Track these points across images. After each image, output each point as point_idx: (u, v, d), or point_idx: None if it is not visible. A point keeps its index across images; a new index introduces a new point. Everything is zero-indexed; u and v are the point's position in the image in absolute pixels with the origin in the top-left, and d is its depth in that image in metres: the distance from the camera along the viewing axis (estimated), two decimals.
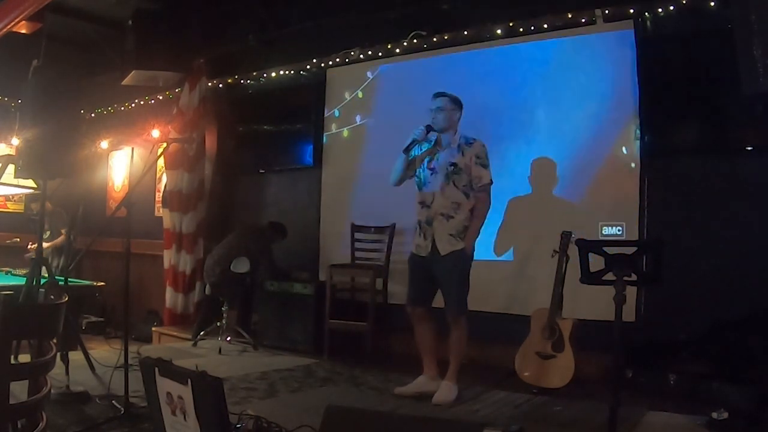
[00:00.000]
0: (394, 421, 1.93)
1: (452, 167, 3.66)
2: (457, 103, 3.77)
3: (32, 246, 6.21)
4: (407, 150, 3.74)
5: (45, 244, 3.96)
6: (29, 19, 5.71)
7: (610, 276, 2.86)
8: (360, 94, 5.68)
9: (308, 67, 5.90)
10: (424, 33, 5.25)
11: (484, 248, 4.89)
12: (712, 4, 3.95)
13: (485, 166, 3.67)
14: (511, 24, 4.81)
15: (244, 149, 6.49)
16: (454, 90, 5.08)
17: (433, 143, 3.78)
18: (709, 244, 4.01)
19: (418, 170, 3.79)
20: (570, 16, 4.55)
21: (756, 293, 3.68)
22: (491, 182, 3.69)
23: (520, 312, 4.33)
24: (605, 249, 2.90)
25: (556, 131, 4.69)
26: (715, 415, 3.06)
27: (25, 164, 3.40)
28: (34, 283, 3.39)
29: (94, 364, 3.97)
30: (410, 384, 3.77)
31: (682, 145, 4.22)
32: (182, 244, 6.23)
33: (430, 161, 3.74)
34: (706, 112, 4.10)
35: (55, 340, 1.96)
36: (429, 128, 3.72)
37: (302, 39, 5.87)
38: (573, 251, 3.42)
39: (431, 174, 3.71)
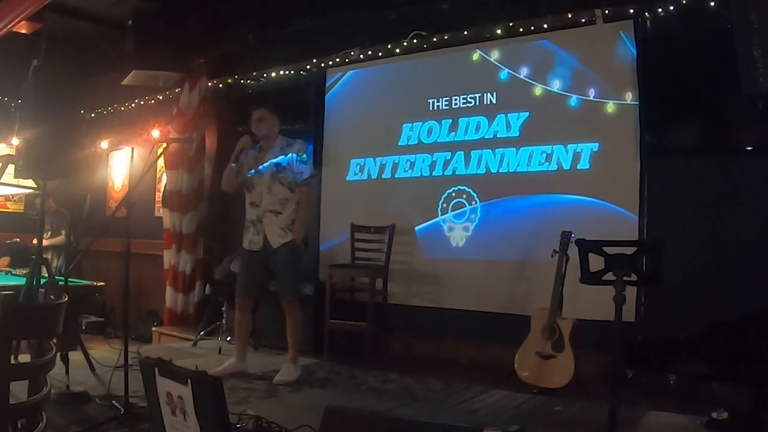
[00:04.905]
0: (394, 422, 1.93)
1: (276, 167, 3.98)
2: (274, 112, 4.13)
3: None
4: (236, 160, 4.03)
5: (44, 242, 3.96)
6: (29, 19, 5.71)
7: (610, 276, 2.86)
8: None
9: (308, 67, 5.90)
10: (424, 33, 5.25)
11: (484, 248, 4.92)
12: (712, 4, 3.95)
13: (305, 161, 4.04)
14: (511, 24, 4.81)
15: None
16: (452, 90, 5.16)
17: (258, 150, 4.06)
18: (709, 244, 4.01)
19: (246, 175, 4.06)
20: (570, 16, 4.55)
21: (755, 293, 3.67)
22: (313, 176, 4.07)
23: (520, 312, 4.33)
24: (605, 249, 2.90)
25: (555, 131, 4.69)
26: (715, 415, 3.06)
27: (25, 164, 3.41)
28: (34, 283, 3.39)
29: (94, 364, 3.97)
30: (224, 366, 4.08)
31: (682, 145, 4.22)
32: (182, 244, 6.23)
33: (256, 165, 4.03)
34: (706, 112, 4.10)
35: (55, 340, 1.96)
36: (252, 136, 4.04)
37: (302, 39, 5.87)
38: (573, 251, 3.42)
39: (258, 176, 4.01)
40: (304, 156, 4.03)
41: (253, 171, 4.04)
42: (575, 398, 3.60)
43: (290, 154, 4.01)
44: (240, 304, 4.15)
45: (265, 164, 4.00)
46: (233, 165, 4.03)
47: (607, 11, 4.39)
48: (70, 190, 5.90)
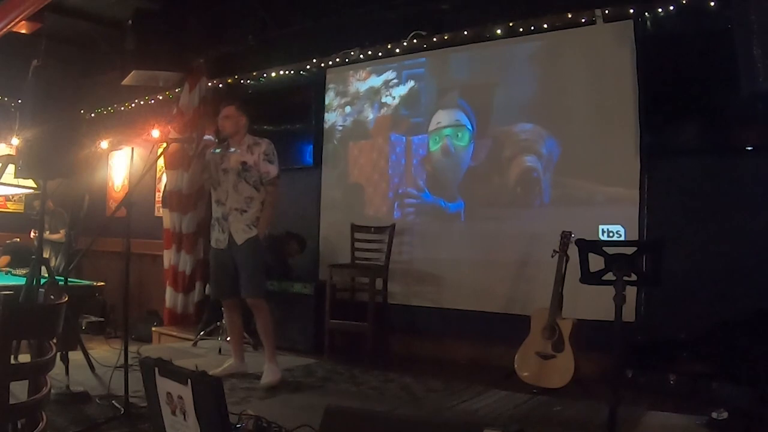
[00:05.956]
0: (393, 422, 1.93)
1: (242, 166, 3.95)
2: (241, 110, 4.08)
3: (35, 232, 6.26)
4: (199, 156, 3.98)
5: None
6: (29, 19, 5.71)
7: (610, 276, 2.86)
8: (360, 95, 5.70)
9: (308, 67, 5.90)
10: (424, 33, 5.25)
11: (485, 248, 4.92)
12: (712, 4, 3.95)
13: (272, 162, 4.00)
14: (511, 24, 4.81)
15: None
16: (451, 90, 5.16)
17: (224, 147, 4.03)
18: (709, 244, 4.01)
19: (212, 172, 4.03)
20: (570, 16, 4.55)
21: (756, 293, 3.68)
22: (278, 176, 4.03)
23: (520, 312, 4.33)
24: (605, 249, 2.90)
25: (555, 131, 4.69)
26: (715, 415, 3.06)
27: (25, 164, 3.40)
28: (34, 283, 3.38)
29: (94, 364, 3.97)
30: (223, 367, 4.09)
31: (682, 145, 4.22)
32: (182, 244, 6.23)
33: (222, 163, 4.00)
34: (706, 112, 4.09)
35: (55, 340, 1.96)
36: (218, 134, 4.02)
37: (302, 39, 5.87)
38: (573, 251, 3.42)
39: (224, 174, 3.99)
40: (271, 154, 4.00)
41: (219, 169, 3.99)
42: (575, 398, 3.60)
43: (257, 153, 3.97)
44: (223, 305, 4.14)
45: (232, 163, 3.97)
46: (198, 159, 4.00)
47: (607, 11, 4.39)
48: (68, 190, 5.90)
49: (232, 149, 4.01)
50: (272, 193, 4.00)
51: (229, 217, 3.96)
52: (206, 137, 4.01)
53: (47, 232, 6.17)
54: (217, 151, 4.02)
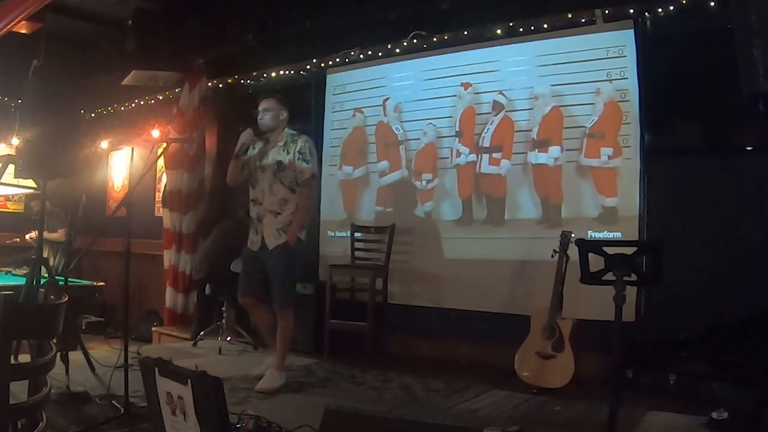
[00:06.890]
0: (393, 422, 1.93)
1: (278, 165, 3.80)
2: (282, 103, 3.94)
3: (30, 237, 6.26)
4: (237, 156, 3.85)
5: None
6: (29, 19, 5.70)
7: (610, 276, 2.86)
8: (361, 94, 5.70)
9: (308, 67, 5.90)
10: (424, 33, 5.25)
11: (485, 248, 4.92)
12: (712, 4, 3.95)
13: (307, 161, 3.80)
14: (511, 24, 4.81)
15: None
16: (451, 89, 5.16)
17: (264, 143, 3.90)
18: (709, 244, 4.01)
19: (252, 170, 3.89)
20: (570, 16, 4.55)
21: (756, 293, 3.68)
22: (313, 176, 3.84)
23: (520, 312, 4.33)
24: (605, 249, 2.90)
25: (555, 131, 4.68)
26: (715, 415, 3.06)
27: (25, 164, 3.41)
28: (34, 283, 3.39)
29: (94, 364, 3.97)
30: (263, 367, 3.96)
31: (682, 145, 4.22)
32: (182, 244, 6.23)
33: (260, 160, 3.86)
34: (706, 112, 4.10)
35: (55, 340, 1.96)
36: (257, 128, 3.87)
37: (302, 39, 5.87)
38: (573, 251, 3.42)
39: (261, 172, 3.84)
40: (307, 153, 3.81)
41: (257, 166, 3.86)
42: (575, 398, 3.60)
43: (293, 152, 3.80)
44: (243, 304, 4.00)
45: (269, 160, 3.82)
46: (236, 159, 3.86)
47: (607, 11, 4.39)
48: (66, 190, 5.91)
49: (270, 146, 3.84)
50: (306, 195, 3.82)
51: (263, 219, 3.81)
52: (246, 132, 3.84)
53: (45, 232, 6.17)
54: (256, 147, 3.89)
